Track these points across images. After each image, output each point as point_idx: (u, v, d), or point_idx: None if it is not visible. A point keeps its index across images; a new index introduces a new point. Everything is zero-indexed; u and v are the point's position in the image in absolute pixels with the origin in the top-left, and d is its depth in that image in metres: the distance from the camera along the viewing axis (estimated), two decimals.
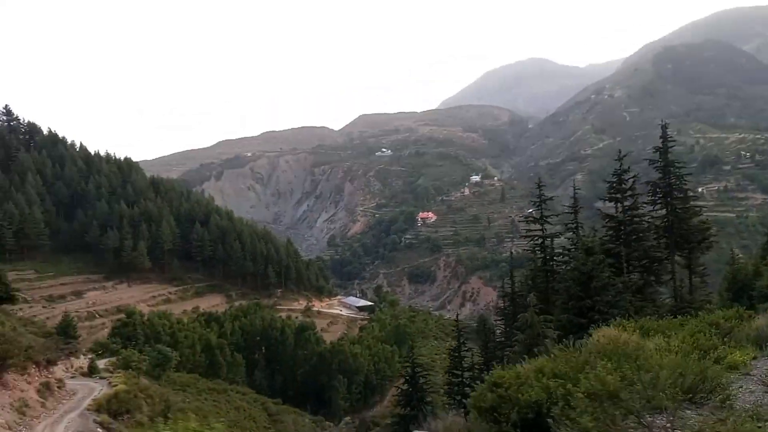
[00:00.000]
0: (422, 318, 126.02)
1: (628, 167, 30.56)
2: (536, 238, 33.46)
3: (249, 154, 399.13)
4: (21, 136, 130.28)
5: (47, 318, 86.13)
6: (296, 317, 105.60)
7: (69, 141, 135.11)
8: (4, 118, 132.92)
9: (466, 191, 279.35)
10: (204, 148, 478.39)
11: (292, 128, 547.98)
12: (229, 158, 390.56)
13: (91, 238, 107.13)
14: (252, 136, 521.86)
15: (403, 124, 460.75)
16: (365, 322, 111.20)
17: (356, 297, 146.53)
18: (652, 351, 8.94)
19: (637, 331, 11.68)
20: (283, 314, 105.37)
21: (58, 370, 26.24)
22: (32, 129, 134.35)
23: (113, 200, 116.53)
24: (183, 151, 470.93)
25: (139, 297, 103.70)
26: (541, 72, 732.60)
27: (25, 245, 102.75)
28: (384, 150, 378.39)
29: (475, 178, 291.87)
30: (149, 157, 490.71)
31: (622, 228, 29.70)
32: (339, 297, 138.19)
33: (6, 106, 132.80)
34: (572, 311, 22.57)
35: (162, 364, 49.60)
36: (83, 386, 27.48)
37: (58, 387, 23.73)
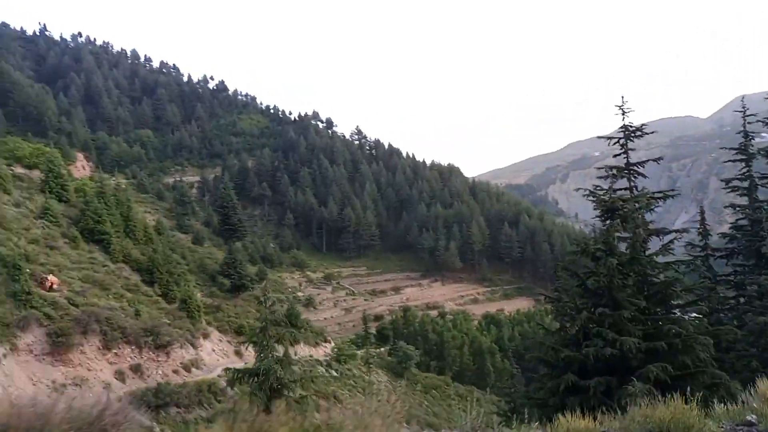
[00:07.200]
0: None
1: None
2: None
3: (596, 154, 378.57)
4: (367, 151, 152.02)
5: (365, 309, 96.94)
6: None
7: (404, 153, 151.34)
8: (356, 136, 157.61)
9: None
10: (554, 152, 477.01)
11: (650, 121, 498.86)
12: (576, 159, 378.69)
13: (412, 239, 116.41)
14: (604, 135, 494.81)
15: None
16: None
17: None
18: None
19: None
20: None
21: (184, 354, 27.81)
22: (377, 144, 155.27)
23: (432, 203, 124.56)
24: (534, 156, 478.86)
25: (449, 295, 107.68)
26: None
27: (361, 244, 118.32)
28: (766, 135, 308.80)
29: None
30: (502, 165, 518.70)
31: None
32: None
33: (357, 126, 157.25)
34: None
35: (403, 362, 49.11)
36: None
37: (179, 370, 24.97)
